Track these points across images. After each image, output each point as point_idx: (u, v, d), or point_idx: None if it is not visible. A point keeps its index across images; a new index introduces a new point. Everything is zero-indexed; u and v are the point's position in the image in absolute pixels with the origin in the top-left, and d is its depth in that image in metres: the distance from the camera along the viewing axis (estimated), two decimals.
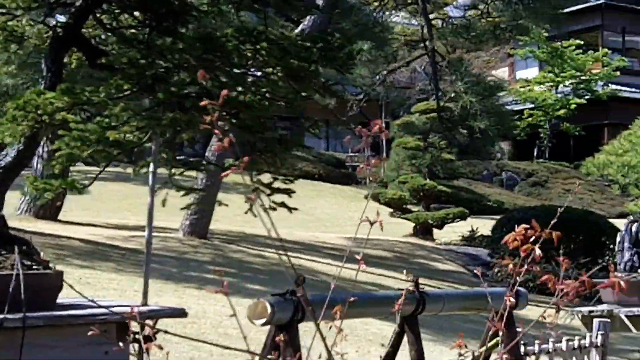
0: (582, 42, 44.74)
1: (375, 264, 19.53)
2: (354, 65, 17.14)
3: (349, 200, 30.99)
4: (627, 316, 9.52)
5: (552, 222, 3.27)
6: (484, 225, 24.99)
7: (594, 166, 9.83)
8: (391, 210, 26.19)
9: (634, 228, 10.03)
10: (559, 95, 44.86)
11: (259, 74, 7.22)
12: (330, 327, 3.62)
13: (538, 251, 3.30)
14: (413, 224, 25.59)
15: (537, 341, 7.98)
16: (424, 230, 25.49)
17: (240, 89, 6.79)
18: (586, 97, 44.54)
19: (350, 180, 35.17)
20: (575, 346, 8.32)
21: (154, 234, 9.45)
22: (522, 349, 7.62)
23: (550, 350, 7.99)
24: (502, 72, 49.75)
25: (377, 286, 16.47)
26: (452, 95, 21.55)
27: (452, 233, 25.61)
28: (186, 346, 9.58)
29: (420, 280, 17.32)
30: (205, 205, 18.55)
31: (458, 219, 24.93)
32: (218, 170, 17.95)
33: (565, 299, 4.51)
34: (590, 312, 9.66)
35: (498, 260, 20.20)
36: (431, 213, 25.09)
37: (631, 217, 9.94)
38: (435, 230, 25.86)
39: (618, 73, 45.40)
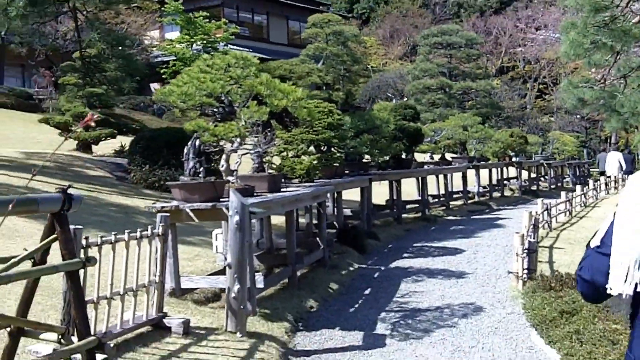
0: (208, 14, 43.96)
1: (38, 172, 17.58)
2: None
3: (34, 125, 28.19)
4: (191, 210, 8.39)
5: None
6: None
7: (161, 94, 8.58)
8: (59, 131, 24.08)
9: (197, 143, 8.92)
10: (194, 52, 43.64)
11: None
12: None
13: None
14: (76, 142, 23.62)
15: (100, 234, 6.76)
16: (84, 146, 23.55)
17: None
18: (211, 53, 43.73)
19: (37, 109, 32.23)
20: (138, 236, 7.15)
21: None
22: (84, 242, 6.34)
23: (113, 241, 6.76)
24: (155, 33, 49.16)
25: (33, 190, 14.64)
26: (90, 42, 19.67)
27: (110, 148, 23.84)
28: None
29: (73, 184, 15.48)
30: None
31: (109, 137, 23.24)
32: None
33: None
34: (163, 207, 8.49)
35: (132, 167, 18.88)
36: (89, 133, 23.20)
37: (195, 134, 8.75)
38: (96, 146, 24.09)
39: (233, 37, 45.14)
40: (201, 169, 8.78)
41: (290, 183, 12.79)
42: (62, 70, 23.42)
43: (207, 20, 44.13)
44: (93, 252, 6.41)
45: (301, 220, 13.97)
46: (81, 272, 6.25)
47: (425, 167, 22.07)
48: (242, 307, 7.76)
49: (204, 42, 44.59)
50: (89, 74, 20.78)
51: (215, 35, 44.92)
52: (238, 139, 9.71)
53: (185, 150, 8.96)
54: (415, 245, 15.64)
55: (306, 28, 41.28)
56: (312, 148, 14.63)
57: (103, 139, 23.22)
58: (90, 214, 13.25)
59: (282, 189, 11.04)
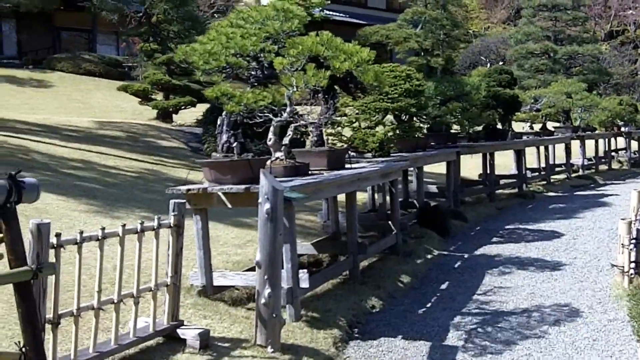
0: None
1: (106, 143, 16.49)
2: None
3: (120, 93, 27.32)
4: (222, 193, 6.87)
5: None
6: None
7: (182, 53, 7.05)
8: (139, 99, 23.10)
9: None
10: None
11: None
12: None
13: None
14: (156, 110, 22.58)
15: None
16: (164, 114, 22.49)
17: None
18: (308, 19, 42.18)
19: (125, 77, 31.33)
20: (138, 230, 5.68)
21: None
22: (54, 240, 4.92)
23: (99, 237, 5.30)
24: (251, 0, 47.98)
25: (84, 162, 13.48)
26: (152, 2, 18.28)
27: (193, 117, 22.66)
28: None
29: (139, 156, 14.10)
30: None
31: (189, 106, 22.02)
32: None
33: None
34: (188, 189, 7.02)
35: (206, 137, 17.63)
36: (168, 101, 22.11)
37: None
38: (177, 116, 23.00)
39: (329, 2, 43.24)
40: (235, 143, 7.26)
41: (362, 158, 11.17)
42: (137, 35, 22.26)
43: None
44: (68, 252, 5.00)
45: (376, 197, 12.34)
46: (51, 278, 4.86)
47: (524, 137, 19.93)
48: (274, 315, 6.23)
49: (299, 7, 43.08)
50: (155, 38, 19.45)
51: (310, 0, 43.21)
52: (287, 109, 8.17)
53: (219, 122, 7.48)
54: (507, 227, 13.72)
55: None
56: (390, 118, 12.95)
57: (182, 107, 22.04)
58: (145, 190, 11.99)
59: (348, 165, 9.43)
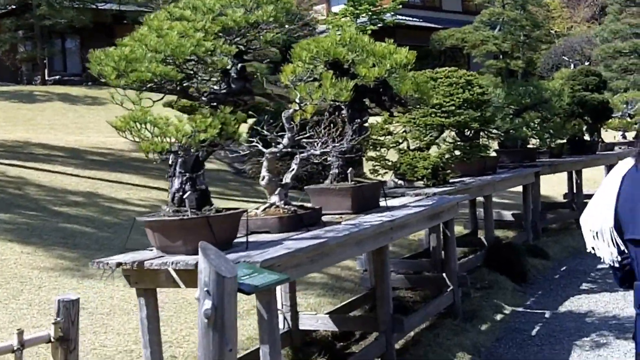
0: None
1: (133, 168, 14.33)
2: None
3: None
4: (172, 269, 4.44)
5: None
6: None
7: (96, 62, 4.67)
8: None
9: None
10: (360, 24, 39.83)
11: None
12: None
13: None
14: None
15: None
16: None
17: None
18: (379, 25, 39.89)
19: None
20: None
21: None
22: None
23: None
24: (322, 8, 46.19)
25: (88, 196, 11.26)
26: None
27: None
28: None
29: (166, 183, 11.87)
30: None
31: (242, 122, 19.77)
32: None
33: None
34: (119, 264, 4.62)
35: (249, 158, 15.37)
36: None
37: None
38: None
39: (401, 6, 40.96)
40: (188, 193, 4.84)
41: (413, 187, 8.62)
42: None
43: None
44: None
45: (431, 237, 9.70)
46: None
47: (616, 149, 16.87)
48: None
49: (370, 13, 41.10)
50: None
51: (382, 5, 41.16)
52: (288, 135, 5.77)
53: (170, 161, 5.08)
54: (600, 267, 10.77)
55: None
56: (452, 134, 10.33)
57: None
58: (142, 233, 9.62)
59: (383, 203, 6.92)
